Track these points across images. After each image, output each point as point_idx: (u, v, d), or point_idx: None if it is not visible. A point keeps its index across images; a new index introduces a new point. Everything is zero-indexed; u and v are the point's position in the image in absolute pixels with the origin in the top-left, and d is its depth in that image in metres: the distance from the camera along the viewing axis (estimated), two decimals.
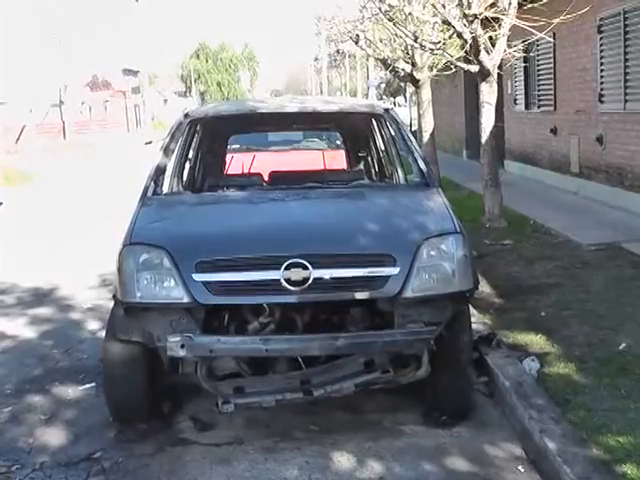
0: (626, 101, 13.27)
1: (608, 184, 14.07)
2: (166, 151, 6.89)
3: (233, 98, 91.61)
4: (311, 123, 10.14)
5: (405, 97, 53.91)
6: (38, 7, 50.31)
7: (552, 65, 16.93)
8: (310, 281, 5.11)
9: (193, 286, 5.17)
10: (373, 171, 8.84)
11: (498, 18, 11.30)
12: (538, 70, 17.96)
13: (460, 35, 11.48)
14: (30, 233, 15.09)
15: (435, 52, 13.95)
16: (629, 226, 11.72)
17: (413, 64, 16.38)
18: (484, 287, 8.47)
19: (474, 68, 12.11)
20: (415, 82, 16.93)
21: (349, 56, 59.38)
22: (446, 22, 11.68)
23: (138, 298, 5.31)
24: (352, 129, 9.60)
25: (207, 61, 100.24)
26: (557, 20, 11.27)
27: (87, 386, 6.76)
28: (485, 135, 12.44)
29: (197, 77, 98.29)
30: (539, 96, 18.12)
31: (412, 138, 7.09)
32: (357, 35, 17.03)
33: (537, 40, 12.90)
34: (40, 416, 6.19)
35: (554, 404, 5.48)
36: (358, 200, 6.51)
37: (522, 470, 5.04)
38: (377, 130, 8.34)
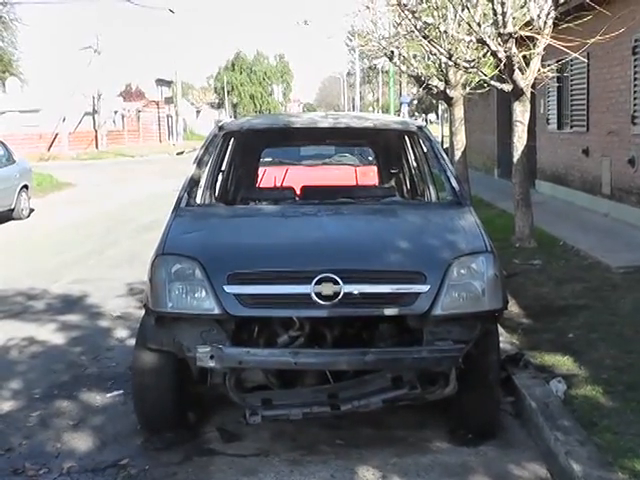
0: None
1: (639, 207, 14.00)
2: (200, 163, 6.94)
3: (266, 111, 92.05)
4: (344, 139, 10.17)
5: (437, 114, 53.97)
6: (74, 15, 50.83)
7: (585, 85, 16.86)
8: (340, 296, 5.12)
9: (224, 298, 5.20)
10: (405, 188, 8.86)
11: (533, 37, 11.31)
12: (571, 90, 17.90)
13: (494, 54, 11.50)
14: (60, 241, 15.18)
15: (469, 70, 13.97)
16: None
17: (447, 82, 16.39)
18: (513, 307, 8.45)
19: (508, 87, 12.11)
20: (448, 100, 16.95)
21: (382, 72, 59.58)
22: (481, 41, 11.70)
23: (169, 308, 5.35)
24: (385, 146, 9.60)
25: (241, 73, 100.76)
26: (592, 40, 11.23)
27: (115, 393, 6.81)
28: (517, 154, 12.43)
29: (230, 89, 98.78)
30: (572, 116, 18.05)
31: (445, 156, 7.09)
32: (392, 51, 17.08)
33: (571, 60, 12.87)
34: (68, 421, 6.24)
35: (580, 426, 5.46)
36: (390, 217, 6.53)
37: None
38: (410, 147, 8.35)
